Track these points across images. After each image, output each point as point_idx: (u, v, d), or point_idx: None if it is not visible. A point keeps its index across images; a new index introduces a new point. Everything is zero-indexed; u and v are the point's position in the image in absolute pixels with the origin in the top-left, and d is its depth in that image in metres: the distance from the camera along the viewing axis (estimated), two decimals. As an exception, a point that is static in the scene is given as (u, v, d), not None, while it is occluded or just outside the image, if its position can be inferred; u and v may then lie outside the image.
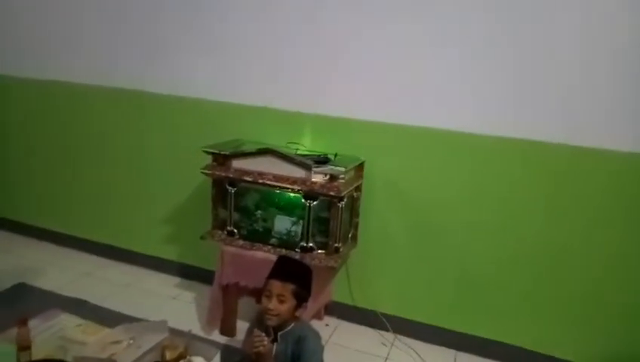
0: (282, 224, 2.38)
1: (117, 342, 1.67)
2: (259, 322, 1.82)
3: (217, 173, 2.39)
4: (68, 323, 1.80)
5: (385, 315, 2.69)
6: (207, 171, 2.40)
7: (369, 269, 2.69)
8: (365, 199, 2.60)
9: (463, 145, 2.40)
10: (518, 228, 2.38)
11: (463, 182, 2.44)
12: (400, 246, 2.61)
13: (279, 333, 1.81)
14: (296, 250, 2.33)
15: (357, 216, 2.60)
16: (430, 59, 2.38)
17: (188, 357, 1.59)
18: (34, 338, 1.59)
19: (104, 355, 1.57)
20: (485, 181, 2.40)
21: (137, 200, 3.31)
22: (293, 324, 1.82)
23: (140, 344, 1.64)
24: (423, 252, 2.58)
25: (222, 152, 2.39)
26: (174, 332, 1.74)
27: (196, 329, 2.55)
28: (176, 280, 3.25)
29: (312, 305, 2.34)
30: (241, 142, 2.62)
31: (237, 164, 2.38)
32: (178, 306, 2.90)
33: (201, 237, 2.51)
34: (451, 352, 2.60)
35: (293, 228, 2.35)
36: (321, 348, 1.86)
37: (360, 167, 2.52)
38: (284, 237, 2.37)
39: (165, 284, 3.19)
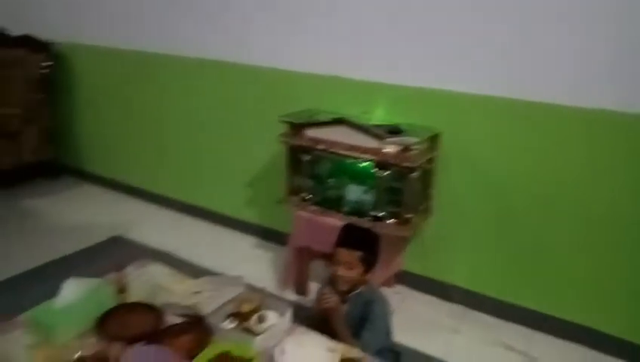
0: (354, 193, 2.42)
1: (199, 292, 1.84)
2: (330, 284, 1.90)
3: (292, 141, 2.47)
4: (157, 272, 1.99)
5: (456, 287, 2.68)
6: (283, 139, 2.49)
7: (442, 241, 2.67)
8: (441, 171, 2.56)
9: (544, 118, 2.28)
10: (598, 204, 2.24)
11: (541, 156, 2.32)
12: (475, 219, 2.56)
13: (349, 295, 1.88)
14: (367, 218, 2.37)
15: (431, 187, 2.58)
16: (515, 29, 2.25)
17: (262, 311, 1.71)
18: (128, 284, 1.79)
19: (188, 303, 1.73)
20: (564, 155, 2.27)
21: (220, 164, 3.52)
22: (362, 288, 1.88)
23: (219, 295, 1.79)
24: (499, 226, 2.51)
25: (297, 121, 2.46)
26: (250, 288, 1.87)
27: (271, 287, 2.71)
28: (255, 241, 3.44)
29: (383, 272, 2.39)
30: (315, 111, 2.67)
31: (311, 133, 2.44)
32: (255, 265, 3.09)
33: (277, 202, 2.63)
34: (524, 330, 2.54)
35: (365, 197, 2.39)
36: (389, 314, 1.91)
37: (435, 138, 2.48)
38: (356, 205, 2.42)
39: (245, 244, 3.40)
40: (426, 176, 2.52)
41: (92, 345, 1.50)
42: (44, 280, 1.79)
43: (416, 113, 2.55)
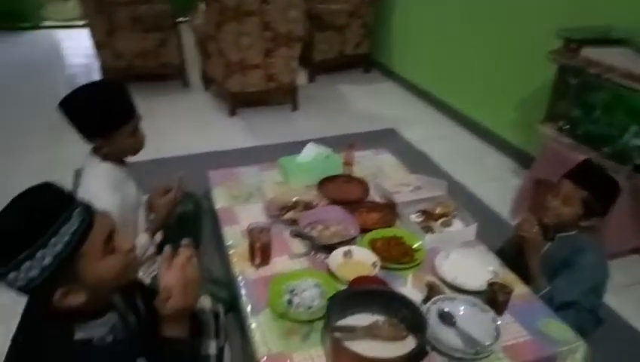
0: (629, 134, 2.01)
1: (406, 185, 2.01)
2: (538, 214, 1.76)
3: (562, 60, 2.17)
4: (386, 159, 2.26)
5: None
6: (552, 56, 2.22)
7: None
8: None
9: None
10: None
11: None
12: None
13: (558, 235, 1.71)
14: (629, 166, 1.97)
15: None
16: None
17: (450, 218, 1.78)
18: (356, 160, 2.11)
19: (394, 190, 1.95)
20: None
21: (488, 75, 3.39)
22: (575, 232, 1.68)
23: (420, 192, 1.94)
24: None
25: (575, 37, 2.12)
26: (450, 194, 1.92)
27: (503, 212, 2.64)
28: (507, 160, 3.31)
29: (633, 237, 2.00)
30: (612, 28, 2.21)
31: (588, 52, 2.08)
32: (497, 184, 3.01)
33: (532, 126, 2.43)
34: None
35: (636, 141, 1.96)
36: (600, 272, 1.66)
37: None
38: (620, 147, 2.02)
39: (494, 161, 3.32)
40: None
41: (312, 195, 1.91)
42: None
43: None
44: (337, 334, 1.13)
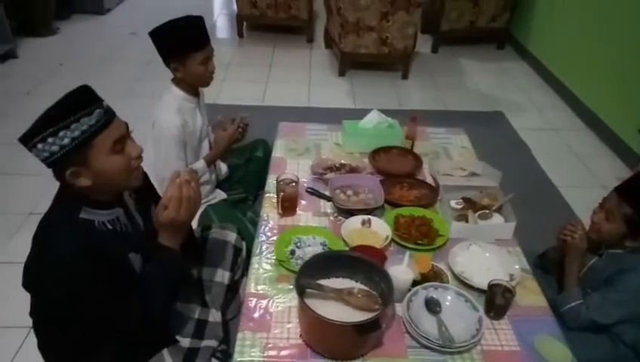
0: None
1: (462, 169, 1.90)
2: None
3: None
4: (455, 141, 2.15)
5: None
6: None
7: None
8: None
9: None
10: None
11: None
12: None
13: (608, 251, 1.52)
14: None
15: None
16: None
17: (492, 212, 1.66)
18: (419, 135, 2.04)
19: (447, 172, 1.87)
20: None
21: (629, 76, 2.93)
22: (626, 251, 1.47)
23: (474, 179, 1.83)
24: None
25: None
26: (501, 188, 1.77)
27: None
28: (623, 169, 2.90)
29: None
30: None
31: None
32: (597, 192, 2.65)
33: (638, 130, 2.09)
34: None
35: None
36: None
37: None
38: None
39: (609, 168, 2.90)
40: None
41: (362, 161, 1.93)
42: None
43: None
44: (302, 288, 1.19)
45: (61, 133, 1.05)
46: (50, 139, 1.05)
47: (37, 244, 1.13)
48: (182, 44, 1.78)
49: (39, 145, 1.05)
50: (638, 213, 1.38)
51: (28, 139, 1.06)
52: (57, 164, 1.09)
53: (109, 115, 1.14)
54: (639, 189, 1.43)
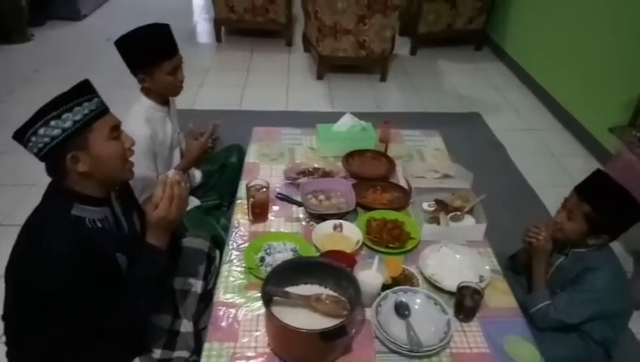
0: None
1: (436, 171, 1.90)
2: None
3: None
4: (430, 143, 2.15)
5: None
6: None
7: None
8: None
9: None
10: None
11: None
12: None
13: (572, 249, 1.53)
14: None
15: None
16: None
17: (463, 214, 1.66)
18: (401, 140, 2.05)
19: (420, 174, 1.87)
20: None
21: (602, 75, 2.96)
22: (590, 249, 1.49)
23: (446, 181, 1.84)
24: None
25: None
26: (472, 189, 1.78)
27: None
28: (583, 152, 3.02)
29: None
30: None
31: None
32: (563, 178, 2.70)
33: (610, 130, 2.12)
34: None
35: None
36: (615, 299, 1.45)
37: None
38: None
39: (583, 167, 2.91)
40: None
41: (336, 166, 1.92)
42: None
43: None
44: (269, 296, 1.18)
45: (64, 116, 1.11)
46: (52, 122, 1.10)
47: (26, 240, 1.15)
48: (148, 53, 1.73)
49: (40, 130, 1.10)
50: (596, 212, 1.40)
51: (31, 125, 1.10)
52: (57, 149, 1.12)
53: (105, 106, 1.22)
54: (597, 188, 1.45)
